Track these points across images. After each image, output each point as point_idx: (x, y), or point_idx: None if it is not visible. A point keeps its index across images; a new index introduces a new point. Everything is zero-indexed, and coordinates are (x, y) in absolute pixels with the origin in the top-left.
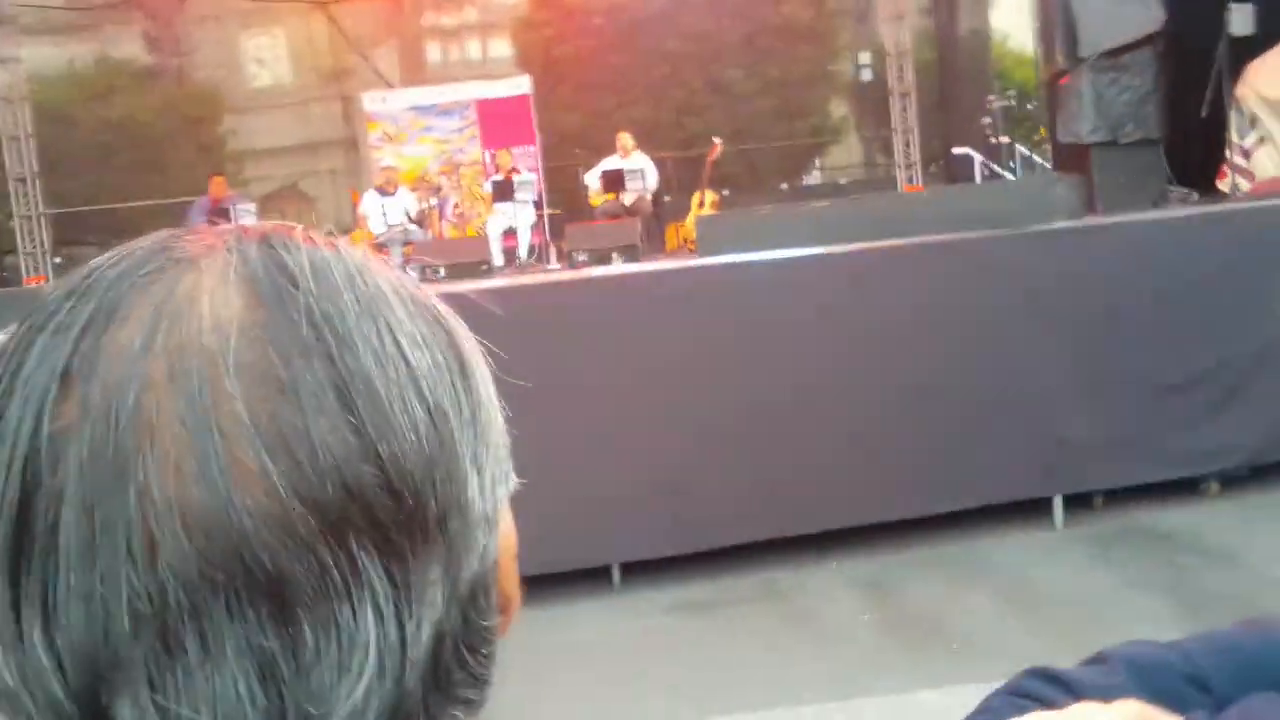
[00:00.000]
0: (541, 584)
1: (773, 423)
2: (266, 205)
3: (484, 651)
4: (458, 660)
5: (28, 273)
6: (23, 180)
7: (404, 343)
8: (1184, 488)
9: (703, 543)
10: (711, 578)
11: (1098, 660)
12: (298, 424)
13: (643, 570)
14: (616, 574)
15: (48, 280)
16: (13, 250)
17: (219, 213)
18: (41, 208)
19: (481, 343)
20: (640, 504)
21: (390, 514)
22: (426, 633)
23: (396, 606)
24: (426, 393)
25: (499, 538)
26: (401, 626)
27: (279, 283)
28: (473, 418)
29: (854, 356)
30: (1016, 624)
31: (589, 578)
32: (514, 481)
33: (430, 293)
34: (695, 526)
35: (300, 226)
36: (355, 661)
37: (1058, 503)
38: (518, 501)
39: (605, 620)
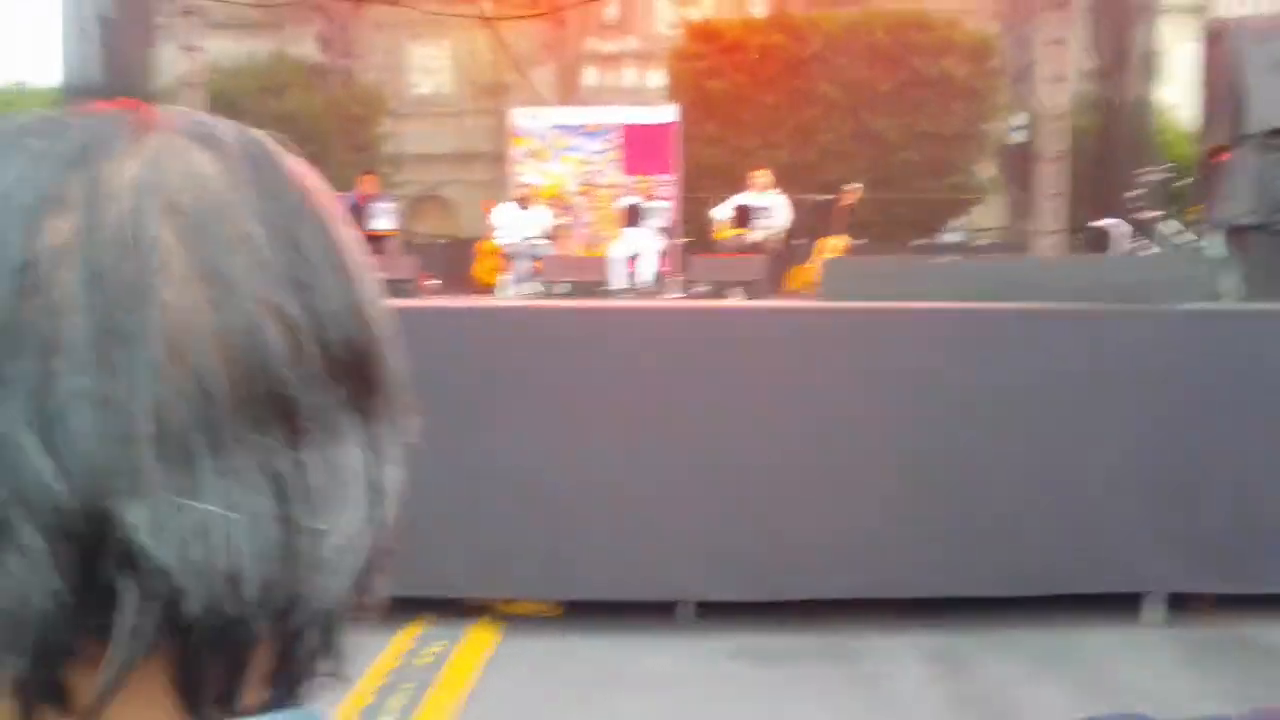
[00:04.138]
0: (608, 611)
1: (864, 478)
2: (409, 209)
3: None
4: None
5: None
6: None
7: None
8: None
9: (776, 591)
10: (780, 628)
11: None
12: (307, 276)
13: (710, 611)
14: (686, 612)
15: None
16: None
17: (358, 210)
18: None
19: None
20: (718, 543)
21: (366, 370)
22: (392, 486)
23: (372, 455)
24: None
25: None
26: (377, 473)
27: (254, 153)
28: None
29: (958, 421)
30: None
31: (657, 612)
32: None
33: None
34: (772, 574)
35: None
36: (351, 495)
37: (1154, 600)
38: (599, 523)
39: (669, 657)
